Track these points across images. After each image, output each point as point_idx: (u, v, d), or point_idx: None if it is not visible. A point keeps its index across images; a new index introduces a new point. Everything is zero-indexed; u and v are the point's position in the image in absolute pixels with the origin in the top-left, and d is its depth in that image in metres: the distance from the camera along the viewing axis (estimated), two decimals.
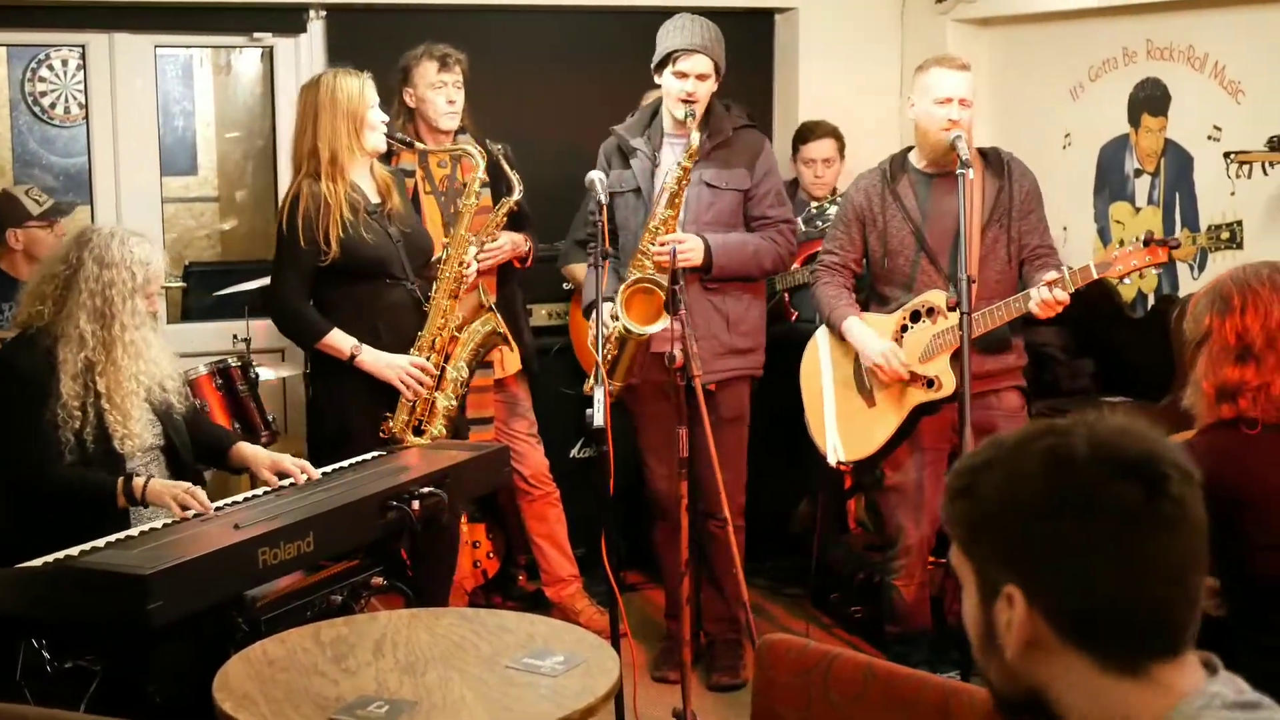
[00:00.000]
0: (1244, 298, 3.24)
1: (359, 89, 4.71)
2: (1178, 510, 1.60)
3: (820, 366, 5.06)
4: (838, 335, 4.96)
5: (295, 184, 4.73)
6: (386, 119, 4.86)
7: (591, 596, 5.93)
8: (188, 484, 3.89)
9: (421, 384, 4.72)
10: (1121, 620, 1.60)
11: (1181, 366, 5.18)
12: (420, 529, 3.91)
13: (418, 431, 4.76)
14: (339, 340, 4.71)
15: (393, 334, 4.76)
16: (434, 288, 4.80)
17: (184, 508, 3.80)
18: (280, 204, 4.80)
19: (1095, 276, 4.49)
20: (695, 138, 4.85)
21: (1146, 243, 4.46)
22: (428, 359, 4.75)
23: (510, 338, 5.07)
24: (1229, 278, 3.31)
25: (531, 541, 5.78)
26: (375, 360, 4.70)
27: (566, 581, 5.77)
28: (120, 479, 3.89)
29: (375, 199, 4.78)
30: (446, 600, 4.91)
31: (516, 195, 4.99)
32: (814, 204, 6.09)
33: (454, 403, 4.80)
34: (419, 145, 5.11)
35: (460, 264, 4.81)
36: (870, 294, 5.02)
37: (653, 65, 5.05)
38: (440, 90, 5.31)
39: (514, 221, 5.43)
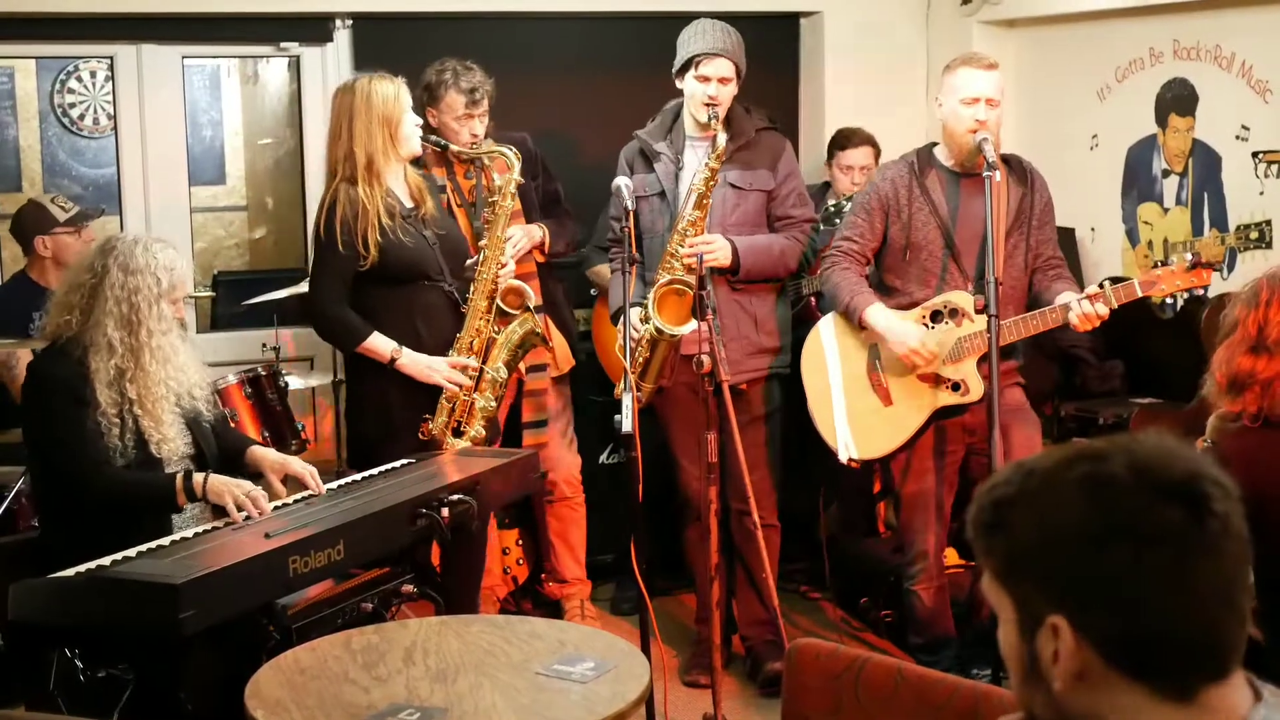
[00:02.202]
0: (1272, 292, 3.29)
1: (394, 94, 4.73)
2: (1223, 528, 1.57)
3: (825, 359, 4.99)
4: (855, 323, 4.88)
5: (331, 189, 4.74)
6: (420, 122, 4.87)
7: (621, 602, 5.94)
8: (250, 484, 3.92)
9: (465, 379, 4.74)
10: (1174, 646, 1.57)
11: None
12: (450, 536, 3.93)
13: (457, 433, 4.78)
14: (379, 344, 4.74)
15: (433, 335, 4.79)
16: (471, 289, 4.82)
17: (240, 509, 3.84)
18: (318, 210, 4.81)
19: (1139, 295, 4.48)
20: (721, 138, 4.86)
21: (1193, 265, 4.43)
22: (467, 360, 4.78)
23: (548, 338, 5.08)
24: (1266, 275, 3.35)
25: (543, 537, 5.81)
26: (415, 363, 4.73)
27: (569, 584, 5.79)
28: (179, 475, 3.92)
29: (409, 203, 4.80)
30: (475, 607, 4.92)
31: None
32: (831, 203, 6.03)
33: (493, 404, 4.83)
34: (453, 148, 5.10)
35: (498, 265, 4.83)
36: (877, 286, 4.95)
37: (674, 70, 5.06)
38: (465, 124, 5.29)
39: (545, 212, 5.49)
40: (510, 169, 4.94)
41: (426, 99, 5.35)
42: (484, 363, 4.84)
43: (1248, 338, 3.27)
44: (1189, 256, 4.48)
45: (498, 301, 4.87)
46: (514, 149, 5.01)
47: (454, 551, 4.66)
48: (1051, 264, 4.85)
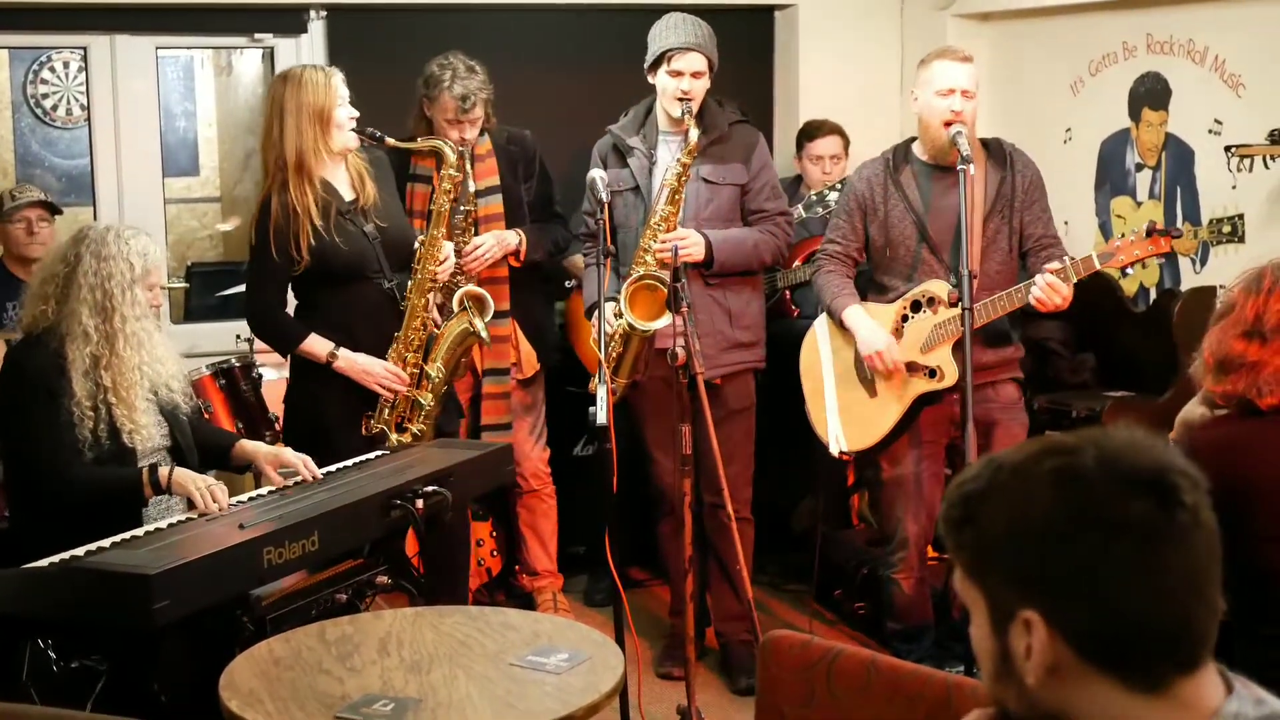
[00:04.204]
0: (1274, 280, 3.29)
1: (324, 85, 4.62)
2: (1192, 519, 1.57)
3: (820, 356, 5.05)
4: (838, 324, 4.95)
5: (265, 191, 4.68)
6: (356, 115, 4.74)
7: (594, 594, 5.95)
8: (211, 479, 3.93)
9: (397, 387, 4.73)
10: (1146, 638, 1.57)
11: (1184, 360, 5.19)
12: (425, 528, 3.93)
13: (400, 429, 4.78)
14: (315, 345, 4.70)
15: (371, 334, 4.75)
16: (409, 288, 4.78)
17: (204, 503, 3.85)
18: (253, 213, 4.75)
19: (1098, 267, 4.49)
20: (694, 134, 4.86)
21: (1149, 233, 4.45)
22: (405, 359, 4.75)
23: (482, 336, 5.00)
24: (1270, 262, 3.36)
25: (516, 529, 5.81)
26: (352, 365, 4.69)
27: (540, 575, 5.79)
28: (145, 468, 3.93)
29: (349, 195, 4.73)
30: (463, 600, 4.95)
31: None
32: (813, 192, 6.02)
33: (432, 402, 4.81)
34: (389, 141, 4.94)
35: (434, 262, 4.78)
36: (869, 283, 5.01)
37: (646, 65, 5.05)
38: (455, 128, 5.25)
39: (534, 215, 5.47)
40: (447, 164, 4.87)
41: (423, 90, 5.32)
42: (426, 360, 4.81)
43: (1244, 321, 3.27)
44: (1145, 226, 4.50)
45: (455, 302, 4.82)
46: (453, 146, 4.94)
47: (436, 548, 4.68)
48: (1044, 243, 4.82)
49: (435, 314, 4.83)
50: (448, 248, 4.86)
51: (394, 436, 4.75)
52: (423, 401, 4.77)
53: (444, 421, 4.94)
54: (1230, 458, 3.17)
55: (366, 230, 4.72)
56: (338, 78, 4.68)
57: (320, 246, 4.60)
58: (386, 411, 4.75)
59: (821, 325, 5.09)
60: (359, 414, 4.76)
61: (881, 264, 4.94)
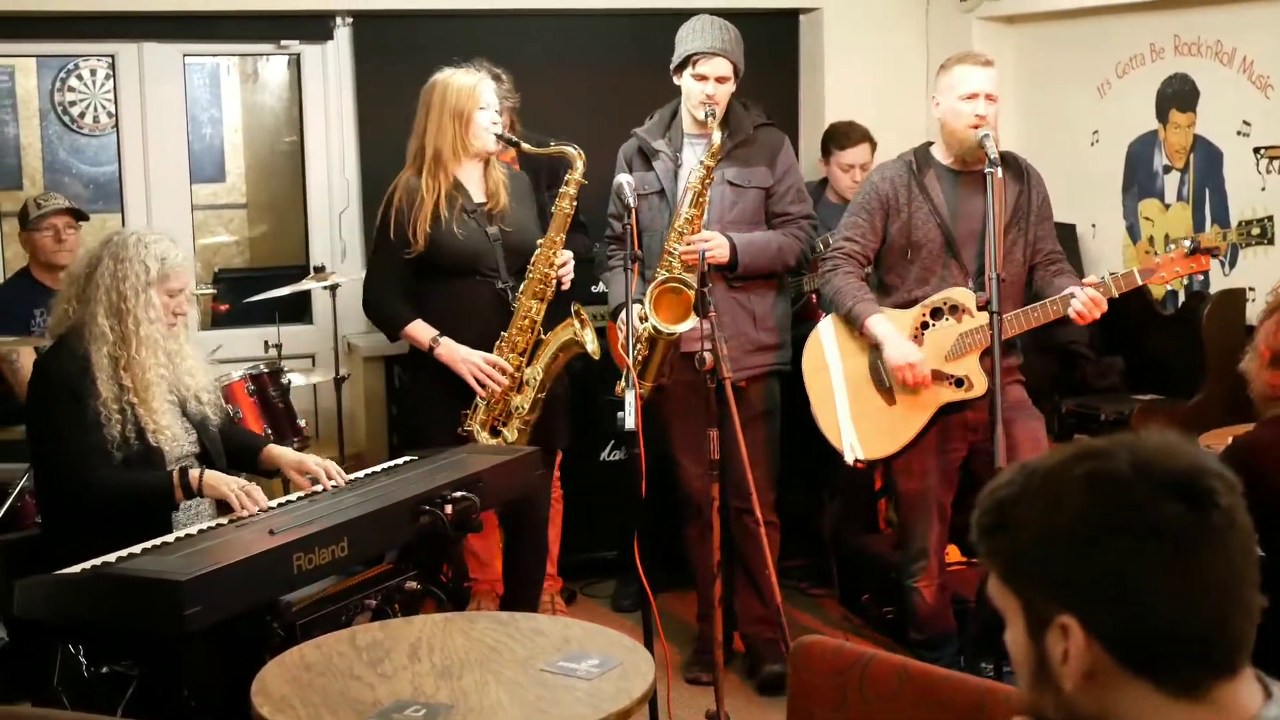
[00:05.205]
0: None
1: (470, 89, 4.78)
2: (1227, 522, 1.56)
3: (827, 360, 4.98)
4: (855, 329, 4.89)
5: (399, 177, 4.86)
6: (499, 121, 4.88)
7: (621, 599, 5.94)
8: (244, 480, 3.95)
9: (496, 382, 4.76)
10: (1182, 642, 1.56)
11: (1211, 363, 5.17)
12: (453, 533, 3.93)
13: (494, 432, 4.81)
14: (419, 331, 4.81)
15: (473, 333, 4.82)
16: (520, 288, 4.83)
17: (241, 504, 3.87)
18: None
19: (1140, 283, 4.48)
20: (717, 136, 4.86)
21: (1193, 250, 4.44)
22: (507, 359, 4.80)
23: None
24: None
25: None
26: (452, 354, 4.78)
27: None
28: (175, 471, 3.94)
29: (480, 198, 4.84)
30: (535, 605, 5.06)
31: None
32: None
33: (527, 407, 4.83)
34: (525, 147, 5.05)
35: (548, 265, 4.82)
36: (876, 285, 4.98)
37: (672, 67, 5.05)
38: None
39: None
40: (574, 170, 4.90)
41: None
42: (530, 364, 4.84)
43: None
44: (1187, 243, 4.49)
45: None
46: (579, 151, 4.94)
47: (520, 561, 4.90)
48: (1052, 259, 4.85)
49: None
50: (566, 253, 4.89)
51: (484, 437, 4.79)
52: (519, 405, 4.80)
53: (543, 438, 4.94)
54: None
55: (489, 231, 4.82)
56: (485, 84, 4.86)
57: (436, 234, 4.73)
58: (482, 411, 4.79)
59: (827, 329, 5.00)
60: (455, 412, 4.81)
61: (897, 266, 4.89)
